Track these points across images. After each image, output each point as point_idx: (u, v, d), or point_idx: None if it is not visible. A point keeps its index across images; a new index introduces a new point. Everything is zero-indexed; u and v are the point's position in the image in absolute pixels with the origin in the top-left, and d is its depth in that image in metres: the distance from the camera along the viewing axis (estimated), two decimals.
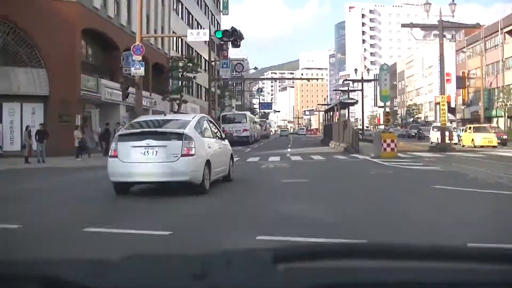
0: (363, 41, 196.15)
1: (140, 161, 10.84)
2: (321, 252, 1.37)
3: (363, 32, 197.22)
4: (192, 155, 10.92)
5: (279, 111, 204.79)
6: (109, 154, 11.30)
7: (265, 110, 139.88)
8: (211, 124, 13.49)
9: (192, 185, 11.09)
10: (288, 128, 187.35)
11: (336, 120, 40.23)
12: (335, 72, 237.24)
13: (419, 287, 1.21)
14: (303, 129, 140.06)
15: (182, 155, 10.84)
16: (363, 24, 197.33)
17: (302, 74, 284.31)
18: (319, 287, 1.19)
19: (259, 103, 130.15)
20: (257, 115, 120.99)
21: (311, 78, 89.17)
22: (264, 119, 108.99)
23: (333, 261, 1.31)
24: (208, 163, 11.59)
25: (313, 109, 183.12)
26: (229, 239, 6.60)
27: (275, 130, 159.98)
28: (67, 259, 1.46)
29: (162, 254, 1.40)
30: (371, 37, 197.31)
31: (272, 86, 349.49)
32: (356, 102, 37.95)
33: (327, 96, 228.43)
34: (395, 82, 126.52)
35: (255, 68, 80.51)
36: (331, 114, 47.07)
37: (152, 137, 10.97)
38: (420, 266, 1.30)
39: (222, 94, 61.21)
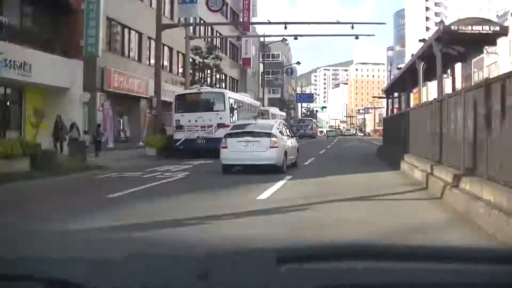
0: (427, 28, 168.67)
1: (242, 150, 16.29)
2: (325, 253, 1.36)
3: (427, 18, 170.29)
4: (276, 147, 16.22)
5: (325, 107, 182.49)
6: (221, 146, 16.62)
7: (309, 104, 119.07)
8: (285, 126, 19.43)
9: (275, 167, 16.05)
10: (340, 129, 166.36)
11: (425, 100, 15.29)
12: (394, 67, 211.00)
13: None
14: (349, 129, 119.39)
15: (270, 147, 16.17)
16: (427, 9, 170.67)
17: (356, 70, 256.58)
18: None
19: (296, 94, 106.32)
20: (294, 111, 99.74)
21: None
22: (310, 118, 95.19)
23: (337, 262, 1.29)
24: (285, 153, 16.78)
25: (369, 107, 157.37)
26: None
27: (327, 130, 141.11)
28: (67, 259, 1.45)
29: (164, 253, 1.39)
30: (436, 24, 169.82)
31: (325, 84, 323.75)
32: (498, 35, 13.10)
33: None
34: (475, 70, 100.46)
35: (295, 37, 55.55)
36: (401, 96, 22.06)
37: (249, 135, 16.58)
38: (425, 267, 1.28)
39: (203, 65, 36.38)
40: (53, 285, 1.24)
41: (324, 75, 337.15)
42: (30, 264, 1.39)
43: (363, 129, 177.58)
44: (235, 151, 16.27)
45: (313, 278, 1.20)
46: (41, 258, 1.49)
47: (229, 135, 16.93)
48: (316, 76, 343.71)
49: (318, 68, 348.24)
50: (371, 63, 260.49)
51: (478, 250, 1.42)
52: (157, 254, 1.36)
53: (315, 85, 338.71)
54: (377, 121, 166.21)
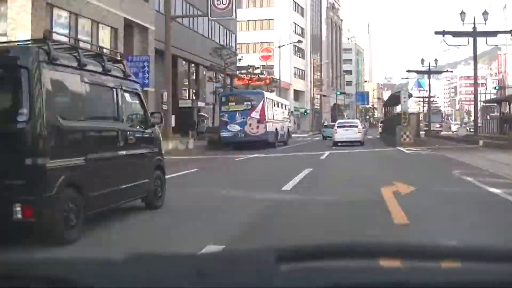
0: None
1: (344, 134, 32.35)
2: (325, 252, 1.35)
3: None
4: (361, 132, 33.58)
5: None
6: (333, 132, 33.53)
7: None
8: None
9: (360, 142, 32.45)
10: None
11: None
12: None
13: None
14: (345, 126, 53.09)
15: (358, 132, 32.90)
16: None
17: None
18: None
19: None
20: None
21: None
22: (256, 91, 41.08)
23: (337, 261, 1.29)
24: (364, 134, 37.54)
25: None
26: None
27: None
28: (69, 259, 1.43)
29: (164, 253, 1.38)
30: None
31: None
32: None
33: None
34: None
35: None
36: None
37: (348, 126, 33.82)
38: (426, 266, 1.27)
39: None
40: (53, 285, 1.23)
41: None
42: (31, 264, 1.38)
43: None
44: (340, 134, 32.26)
45: (312, 277, 1.18)
46: (42, 258, 1.49)
47: (338, 126, 33.99)
48: None
49: None
50: None
51: (476, 248, 1.36)
52: (156, 254, 1.33)
53: None
54: None
